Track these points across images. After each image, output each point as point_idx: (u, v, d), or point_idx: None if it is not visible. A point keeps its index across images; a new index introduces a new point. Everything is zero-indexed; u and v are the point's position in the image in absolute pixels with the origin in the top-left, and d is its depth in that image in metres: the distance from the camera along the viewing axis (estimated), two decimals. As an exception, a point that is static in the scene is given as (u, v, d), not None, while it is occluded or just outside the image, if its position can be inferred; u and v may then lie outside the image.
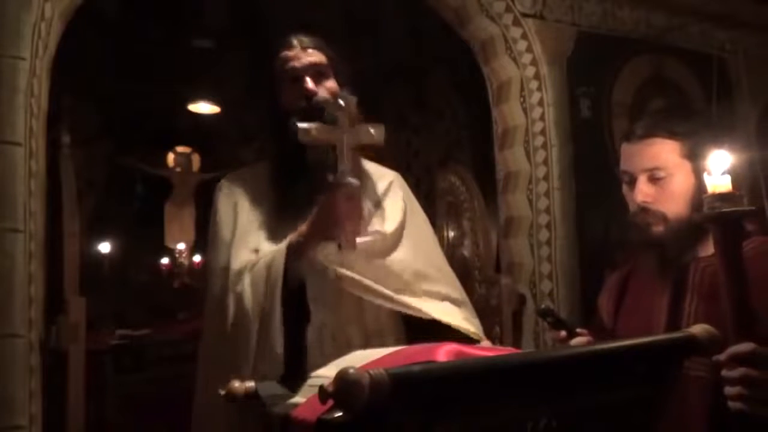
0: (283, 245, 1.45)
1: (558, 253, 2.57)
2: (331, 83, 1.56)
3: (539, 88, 2.64)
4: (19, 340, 1.59)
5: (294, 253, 1.43)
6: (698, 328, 0.98)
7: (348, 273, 1.44)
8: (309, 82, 1.53)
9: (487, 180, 2.93)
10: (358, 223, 1.44)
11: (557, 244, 2.58)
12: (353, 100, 1.39)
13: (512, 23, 2.65)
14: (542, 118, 2.63)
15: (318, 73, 1.55)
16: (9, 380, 1.57)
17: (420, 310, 1.47)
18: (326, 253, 1.45)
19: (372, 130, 1.41)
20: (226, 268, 1.50)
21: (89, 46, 4.26)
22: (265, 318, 1.40)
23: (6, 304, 1.58)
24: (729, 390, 1.08)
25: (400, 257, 1.55)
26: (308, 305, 1.46)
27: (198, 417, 1.54)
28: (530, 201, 2.65)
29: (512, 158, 2.72)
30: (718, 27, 3.03)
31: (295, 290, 1.44)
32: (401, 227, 1.60)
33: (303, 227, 1.44)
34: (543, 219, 2.61)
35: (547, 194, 2.61)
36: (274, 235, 1.52)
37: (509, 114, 2.73)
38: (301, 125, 1.35)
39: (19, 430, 1.57)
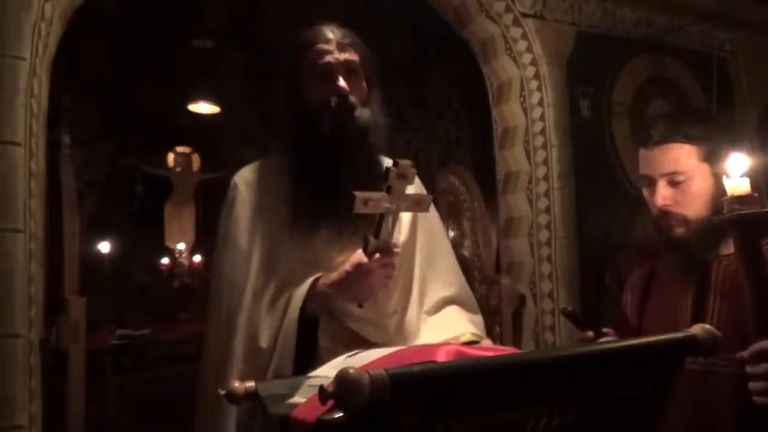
0: (303, 290, 1.40)
1: (558, 253, 2.57)
2: (362, 84, 1.51)
3: (539, 88, 2.64)
4: (19, 340, 1.59)
5: (314, 300, 1.40)
6: (698, 328, 0.99)
7: (359, 327, 1.46)
8: (341, 81, 1.47)
9: (487, 180, 2.93)
10: (388, 286, 1.41)
11: (557, 244, 2.58)
12: (412, 169, 1.31)
13: (512, 23, 2.64)
14: (542, 118, 2.63)
15: (350, 71, 1.49)
16: (9, 380, 1.56)
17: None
18: (345, 308, 1.44)
19: (419, 202, 1.37)
20: (242, 283, 1.46)
21: (89, 46, 4.26)
22: (278, 350, 1.38)
23: (6, 304, 1.58)
24: (753, 385, 1.11)
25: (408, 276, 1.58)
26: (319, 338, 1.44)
27: (200, 423, 1.53)
28: (530, 201, 2.65)
29: (512, 158, 2.72)
30: (718, 27, 3.03)
31: (308, 324, 1.41)
32: (413, 236, 1.60)
33: (332, 282, 1.39)
34: (543, 219, 2.61)
35: (547, 194, 2.61)
36: (294, 247, 1.48)
37: (509, 114, 2.73)
38: (359, 194, 1.25)
39: (19, 430, 1.56)
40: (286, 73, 1.55)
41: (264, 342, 1.38)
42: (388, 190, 1.29)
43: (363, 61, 1.52)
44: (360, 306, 1.40)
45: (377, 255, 1.33)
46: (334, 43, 1.49)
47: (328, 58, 1.48)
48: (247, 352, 1.41)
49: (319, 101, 1.47)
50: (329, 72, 1.48)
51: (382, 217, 1.32)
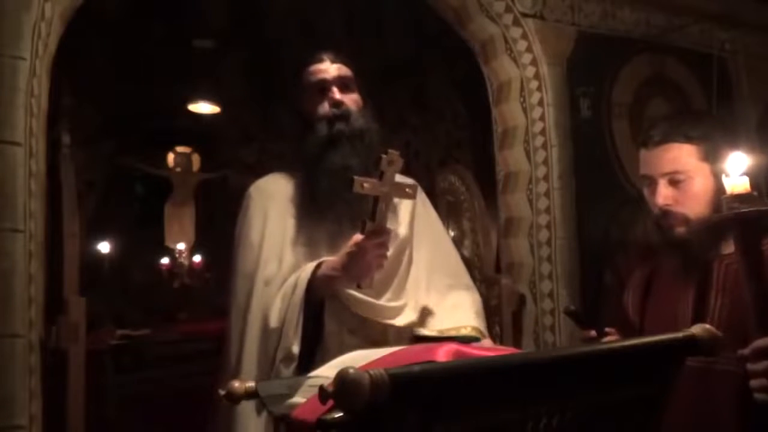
0: (308, 271, 1.55)
1: (558, 253, 2.57)
2: (354, 95, 1.70)
3: (539, 88, 2.64)
4: (19, 340, 1.59)
5: (318, 282, 1.54)
6: (698, 328, 0.99)
7: (365, 312, 1.58)
8: (336, 92, 1.66)
9: (487, 180, 2.93)
10: (383, 266, 1.56)
11: (557, 244, 2.58)
12: (399, 157, 1.48)
13: (512, 23, 2.64)
14: (542, 118, 2.63)
15: (344, 84, 1.68)
16: (9, 380, 1.56)
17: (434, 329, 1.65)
18: (347, 292, 1.57)
19: (408, 189, 1.56)
20: (253, 274, 1.62)
21: (89, 46, 4.26)
22: (285, 328, 1.52)
23: (6, 304, 1.58)
24: (754, 383, 1.12)
25: (413, 260, 1.73)
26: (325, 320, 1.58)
27: (222, 414, 1.61)
28: (530, 201, 2.65)
29: (512, 158, 2.72)
30: (718, 27, 3.03)
31: (315, 307, 1.55)
32: (410, 230, 1.74)
33: (333, 264, 1.54)
34: (543, 219, 2.61)
35: (547, 194, 2.60)
36: (300, 240, 1.65)
37: (509, 114, 2.73)
38: (356, 178, 1.44)
39: (19, 430, 1.56)
40: (288, 95, 1.76)
41: (274, 322, 1.54)
42: (381, 176, 1.46)
43: (355, 76, 1.72)
44: (359, 286, 1.55)
45: (372, 236, 1.48)
46: (327, 62, 1.69)
47: (323, 75, 1.68)
48: (262, 333, 1.56)
49: (317, 113, 1.66)
50: (325, 87, 1.67)
51: (376, 201, 1.48)
